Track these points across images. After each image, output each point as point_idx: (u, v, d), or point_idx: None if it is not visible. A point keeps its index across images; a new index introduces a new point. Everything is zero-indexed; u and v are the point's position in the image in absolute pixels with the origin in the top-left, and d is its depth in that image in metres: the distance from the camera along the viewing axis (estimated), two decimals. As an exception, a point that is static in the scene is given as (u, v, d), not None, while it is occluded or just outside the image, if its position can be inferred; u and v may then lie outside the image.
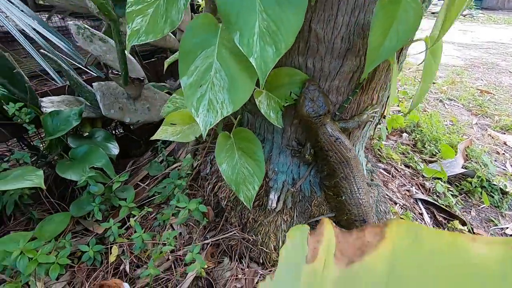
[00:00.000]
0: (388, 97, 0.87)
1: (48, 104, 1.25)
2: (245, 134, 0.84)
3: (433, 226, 1.32)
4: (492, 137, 2.35)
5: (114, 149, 1.30)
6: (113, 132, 1.69)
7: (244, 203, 0.83)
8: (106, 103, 1.25)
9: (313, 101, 0.71)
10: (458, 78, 3.67)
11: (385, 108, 0.89)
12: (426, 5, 0.70)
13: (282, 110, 0.77)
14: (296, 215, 0.93)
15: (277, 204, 0.87)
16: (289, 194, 0.90)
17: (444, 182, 1.52)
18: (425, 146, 1.90)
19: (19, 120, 1.11)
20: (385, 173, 1.57)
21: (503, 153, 2.11)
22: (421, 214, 1.36)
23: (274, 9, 0.53)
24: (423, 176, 1.63)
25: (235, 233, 0.98)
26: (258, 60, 0.54)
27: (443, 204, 1.41)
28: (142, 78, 1.26)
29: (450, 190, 1.52)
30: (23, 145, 1.30)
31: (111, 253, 1.01)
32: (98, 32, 1.32)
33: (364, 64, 0.73)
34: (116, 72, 1.15)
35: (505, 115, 2.75)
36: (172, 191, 1.17)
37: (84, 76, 1.78)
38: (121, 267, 0.99)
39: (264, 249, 0.93)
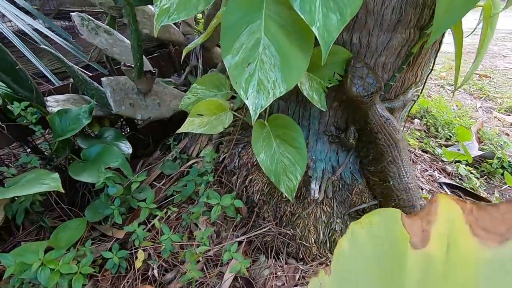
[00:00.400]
0: (428, 74, 0.83)
1: (54, 103, 1.16)
2: (282, 120, 0.78)
3: (462, 210, 1.29)
4: (499, 119, 2.35)
5: (127, 148, 1.22)
6: (121, 130, 1.60)
7: (286, 194, 0.77)
8: (117, 99, 1.17)
9: (362, 79, 0.66)
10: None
11: (424, 84, 0.84)
12: None
13: (326, 92, 0.72)
14: (336, 205, 0.87)
15: (319, 193, 0.82)
16: (329, 182, 0.85)
17: (466, 165, 1.50)
18: (438, 130, 1.88)
19: (24, 121, 1.02)
20: (405, 159, 1.53)
21: (513, 134, 2.11)
22: (448, 198, 1.33)
23: (339, -31, 0.47)
24: (442, 161, 1.60)
25: (270, 228, 0.92)
26: (320, 29, 0.48)
27: (468, 187, 1.38)
28: (154, 71, 1.18)
29: (472, 172, 1.50)
30: (27, 149, 1.21)
31: (136, 258, 0.94)
32: (102, 24, 1.23)
33: (414, 37, 0.68)
34: (129, 65, 1.07)
35: (507, 97, 2.76)
36: (195, 188, 1.10)
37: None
38: (149, 273, 0.92)
39: (304, 243, 0.88)
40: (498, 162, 1.51)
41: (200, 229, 1.01)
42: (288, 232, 0.89)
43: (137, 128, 1.68)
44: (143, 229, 1.02)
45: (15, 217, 0.98)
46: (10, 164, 1.24)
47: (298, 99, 0.82)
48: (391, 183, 0.77)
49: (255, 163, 0.93)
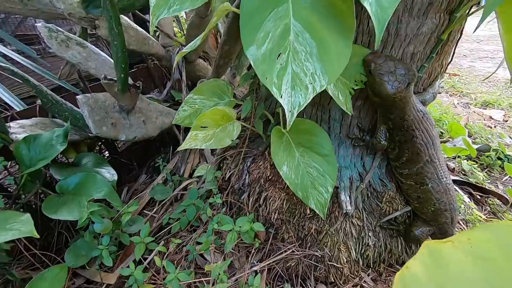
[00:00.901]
0: (448, 64, 0.77)
1: (18, 129, 0.98)
2: (303, 125, 0.68)
3: (475, 205, 1.25)
4: (478, 114, 2.43)
5: (111, 174, 1.06)
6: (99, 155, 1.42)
7: (316, 211, 0.66)
8: (97, 119, 1.01)
9: (392, 73, 0.58)
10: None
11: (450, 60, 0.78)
12: None
13: (352, 94, 0.63)
14: (366, 217, 0.77)
15: (351, 205, 0.71)
16: (359, 191, 0.75)
17: (467, 159, 1.48)
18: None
19: (-19, 153, 0.83)
20: (407, 159, 1.49)
21: (494, 126, 2.18)
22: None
23: None
24: (441, 158, 1.58)
25: (293, 251, 0.80)
26: (373, 5, 0.39)
27: (474, 182, 1.35)
28: (138, 85, 1.05)
29: (474, 167, 1.48)
30: (-15, 187, 1.00)
31: (136, 307, 0.77)
32: (73, 35, 1.08)
33: (444, 22, 0.62)
34: (110, 78, 0.92)
35: (479, 93, 2.89)
36: (197, 214, 0.95)
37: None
38: (153, 324, 0.76)
39: (334, 264, 0.76)
40: (496, 154, 1.51)
41: (209, 261, 0.86)
42: (314, 253, 0.77)
43: (118, 152, 1.50)
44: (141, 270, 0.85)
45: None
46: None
47: (315, 101, 0.73)
48: (429, 185, 0.68)
49: (270, 177, 0.81)
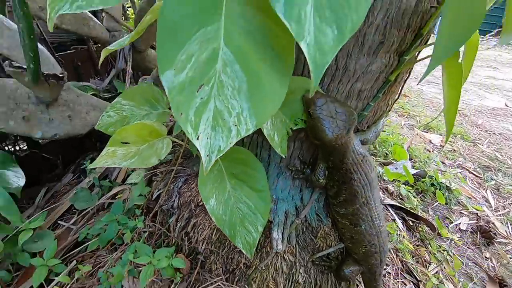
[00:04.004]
0: (394, 102, 0.76)
1: None
2: (239, 154, 0.61)
3: (406, 231, 1.30)
4: (420, 136, 2.60)
5: (17, 178, 0.89)
6: (13, 149, 1.21)
7: (243, 251, 0.59)
8: (1, 111, 0.83)
9: (333, 118, 0.53)
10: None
11: (387, 113, 0.77)
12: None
13: (290, 134, 0.57)
14: (299, 251, 0.73)
15: (282, 243, 0.66)
16: (293, 227, 0.70)
17: (405, 184, 1.55)
18: (376, 148, 1.95)
19: None
20: (352, 179, 1.51)
21: (432, 151, 2.35)
22: (394, 220, 1.33)
23: (339, -37, 0.32)
24: (383, 180, 1.64)
25: (219, 285, 0.73)
26: (311, 47, 0.33)
27: (409, 207, 1.42)
28: (60, 75, 0.88)
29: (410, 192, 1.56)
30: None
31: None
32: (-20, 4, 0.88)
33: (393, 62, 0.59)
34: (18, 65, 0.76)
35: (423, 115, 3.11)
36: (118, 232, 0.84)
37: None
38: None
39: (262, 302, 0.71)
40: (430, 180, 1.61)
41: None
42: (242, 289, 0.71)
43: (38, 144, 1.29)
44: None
45: None
46: None
47: (257, 126, 0.66)
48: (363, 227, 0.66)
49: (201, 202, 0.73)
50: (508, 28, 0.48)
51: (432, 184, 1.64)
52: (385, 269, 1.00)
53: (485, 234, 1.37)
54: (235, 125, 0.38)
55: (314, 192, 0.72)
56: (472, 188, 1.89)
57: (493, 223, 1.52)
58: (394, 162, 1.81)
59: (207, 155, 0.38)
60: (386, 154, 1.93)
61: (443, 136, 2.66)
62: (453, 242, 1.34)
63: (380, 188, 1.55)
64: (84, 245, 0.91)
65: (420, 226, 1.34)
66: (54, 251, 0.77)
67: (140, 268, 0.72)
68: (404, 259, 1.08)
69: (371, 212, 0.66)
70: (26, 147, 1.29)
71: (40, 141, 1.31)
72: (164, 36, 0.37)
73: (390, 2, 0.50)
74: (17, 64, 0.76)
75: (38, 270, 0.73)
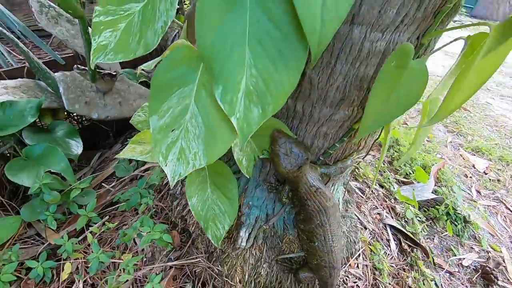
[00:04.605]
0: (374, 141, 0.83)
1: (1, 90, 1.09)
2: (221, 168, 0.77)
3: (397, 254, 1.35)
4: (463, 158, 2.43)
5: (77, 147, 1.19)
6: (79, 120, 1.55)
7: (212, 241, 0.77)
8: (71, 97, 1.11)
9: (288, 155, 0.65)
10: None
11: (368, 150, 0.85)
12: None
13: (256, 161, 0.71)
14: (266, 250, 0.89)
15: (247, 241, 0.83)
16: (260, 231, 0.86)
17: (415, 207, 1.55)
18: (401, 165, 1.93)
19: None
20: (359, 193, 1.57)
21: (471, 177, 2.19)
22: (388, 240, 1.38)
23: (266, 65, 0.45)
24: (395, 199, 1.65)
25: (200, 261, 0.93)
26: (240, 121, 0.47)
27: (409, 231, 1.44)
28: (114, 73, 1.13)
29: (418, 216, 1.56)
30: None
31: (63, 270, 0.93)
32: (66, 12, 1.15)
33: (357, 114, 0.67)
34: (82, 68, 1.01)
35: (477, 135, 2.84)
36: (138, 202, 1.09)
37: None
38: (74, 286, 0.92)
39: (229, 281, 0.90)
40: (445, 208, 1.58)
41: (135, 247, 1.01)
42: (216, 268, 0.90)
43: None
44: (77, 237, 1.01)
45: None
46: None
47: (243, 145, 0.81)
48: (316, 244, 0.79)
49: (196, 195, 0.93)
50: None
51: (448, 213, 1.60)
52: (355, 282, 1.10)
53: (485, 275, 1.34)
54: (192, 160, 0.54)
55: (285, 206, 0.86)
56: (501, 225, 1.78)
57: (505, 266, 1.46)
58: (414, 183, 1.79)
59: (172, 177, 0.55)
60: (411, 173, 1.89)
61: (492, 162, 2.44)
62: (447, 274, 1.34)
63: (387, 206, 1.58)
64: (117, 205, 1.19)
65: (414, 252, 1.36)
66: (94, 207, 1.05)
67: (144, 234, 0.96)
68: (378, 279, 1.16)
69: (325, 233, 0.77)
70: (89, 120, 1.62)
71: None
72: (154, 91, 0.54)
73: (348, 69, 0.59)
74: (82, 67, 1.01)
75: (81, 218, 1.02)
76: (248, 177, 0.71)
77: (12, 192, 1.22)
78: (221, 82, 0.45)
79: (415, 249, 1.38)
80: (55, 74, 1.08)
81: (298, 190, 0.71)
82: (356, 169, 1.71)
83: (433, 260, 1.35)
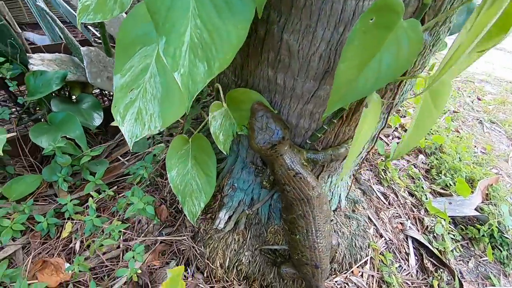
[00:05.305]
0: (380, 130, 0.72)
1: (38, 61, 1.21)
2: (203, 143, 0.74)
3: (416, 271, 1.18)
4: (527, 177, 2.05)
5: (98, 119, 1.26)
6: (108, 96, 1.65)
7: (188, 217, 0.75)
8: (93, 71, 1.19)
9: (262, 130, 0.59)
10: (511, 98, 3.19)
11: (375, 142, 0.74)
12: (436, 47, 0.53)
13: (234, 137, 0.66)
14: (250, 238, 0.84)
15: (225, 224, 0.79)
16: (243, 215, 0.81)
17: (448, 222, 1.34)
18: (440, 175, 1.69)
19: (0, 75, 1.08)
20: (382, 198, 1.41)
21: (533, 199, 1.83)
22: (408, 254, 1.22)
23: (211, 15, 0.40)
24: (426, 210, 1.45)
25: (186, 239, 0.92)
26: (185, 77, 0.43)
27: (436, 248, 1.25)
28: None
29: (452, 233, 1.34)
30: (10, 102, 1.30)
31: (64, 228, 1.00)
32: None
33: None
34: (99, 42, 1.07)
35: (555, 151, 2.37)
36: (142, 175, 1.12)
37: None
38: (71, 245, 0.98)
39: (210, 264, 0.87)
40: (488, 229, 1.34)
41: (134, 218, 1.04)
42: (199, 248, 0.88)
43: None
44: (82, 204, 1.07)
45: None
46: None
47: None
48: (297, 236, 0.71)
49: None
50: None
51: (491, 236, 1.35)
52: (356, 291, 0.98)
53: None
54: (148, 122, 0.52)
55: (272, 192, 0.79)
56: None
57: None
58: (454, 195, 1.54)
59: (130, 138, 0.53)
60: (451, 185, 1.64)
61: None
62: (477, 305, 1.13)
63: (413, 217, 1.39)
64: (127, 177, 1.25)
65: (439, 272, 1.17)
66: (102, 174, 1.11)
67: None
68: (385, 292, 1.02)
69: (308, 226, 0.70)
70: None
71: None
72: (119, 49, 0.53)
73: (332, 35, 0.51)
74: (98, 41, 1.06)
75: (89, 184, 1.08)
76: (225, 153, 0.66)
77: (41, 155, 1.35)
78: (164, 33, 0.41)
79: (440, 269, 1.19)
80: (81, 48, 1.16)
81: (274, 172, 0.64)
82: (383, 172, 1.54)
83: (461, 285, 1.14)
